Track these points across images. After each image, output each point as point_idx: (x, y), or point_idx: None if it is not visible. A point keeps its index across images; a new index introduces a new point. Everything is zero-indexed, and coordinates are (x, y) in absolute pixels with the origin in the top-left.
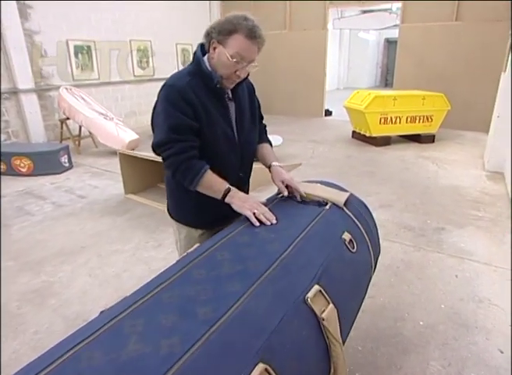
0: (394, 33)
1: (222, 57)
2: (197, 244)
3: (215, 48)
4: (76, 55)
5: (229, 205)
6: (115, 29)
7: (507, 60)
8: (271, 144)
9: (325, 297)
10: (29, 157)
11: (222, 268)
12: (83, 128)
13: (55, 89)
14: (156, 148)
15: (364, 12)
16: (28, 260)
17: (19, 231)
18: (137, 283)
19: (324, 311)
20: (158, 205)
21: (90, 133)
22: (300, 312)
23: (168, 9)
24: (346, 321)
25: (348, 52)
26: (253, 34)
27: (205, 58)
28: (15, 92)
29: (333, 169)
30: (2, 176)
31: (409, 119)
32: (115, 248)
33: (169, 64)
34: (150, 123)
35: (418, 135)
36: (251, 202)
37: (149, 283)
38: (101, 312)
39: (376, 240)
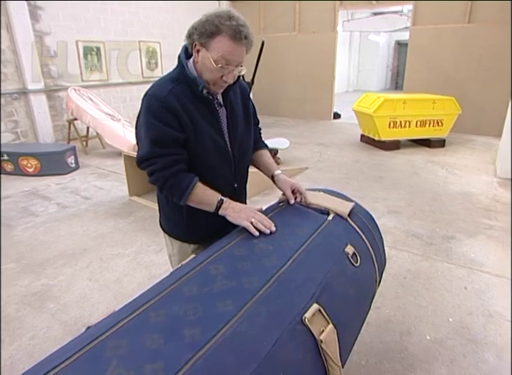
0: (405, 36)
1: (205, 61)
2: (193, 256)
3: (198, 51)
4: (85, 56)
5: (224, 217)
6: (125, 30)
7: None
8: (267, 148)
9: (324, 316)
10: (36, 157)
11: (215, 284)
12: (90, 129)
13: (64, 89)
14: (139, 163)
15: (375, 14)
16: (30, 262)
17: (23, 232)
18: (137, 288)
19: (323, 332)
20: None
21: (97, 133)
22: (297, 333)
23: (176, 11)
24: (347, 342)
25: (358, 54)
26: (238, 35)
27: (190, 61)
28: (24, 92)
29: (341, 174)
30: (10, 176)
31: (419, 123)
32: (116, 252)
33: None
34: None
35: (428, 139)
36: (247, 211)
37: (137, 299)
38: (88, 328)
39: (381, 252)
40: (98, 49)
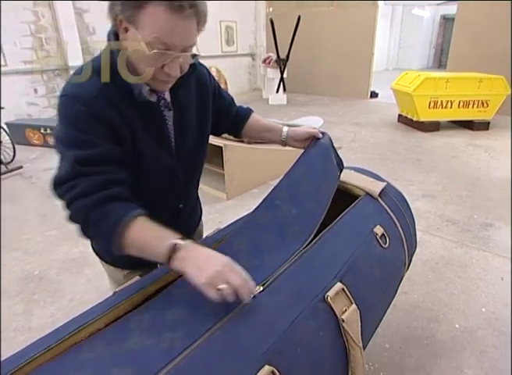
0: (452, 10)
1: (136, 46)
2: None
3: (126, 30)
4: None
5: (175, 220)
6: None
7: None
8: (252, 111)
9: (347, 296)
10: None
11: (237, 261)
12: None
13: None
14: (55, 187)
15: None
16: (69, 230)
17: None
18: None
19: (345, 311)
20: None
21: None
22: (318, 311)
23: None
24: (370, 324)
25: (400, 30)
26: (178, 3)
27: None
28: (65, 69)
29: (375, 155)
30: (53, 149)
31: (461, 104)
32: None
33: (212, 42)
34: None
35: (471, 121)
36: (215, 266)
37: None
38: (114, 293)
39: (412, 235)
40: None
